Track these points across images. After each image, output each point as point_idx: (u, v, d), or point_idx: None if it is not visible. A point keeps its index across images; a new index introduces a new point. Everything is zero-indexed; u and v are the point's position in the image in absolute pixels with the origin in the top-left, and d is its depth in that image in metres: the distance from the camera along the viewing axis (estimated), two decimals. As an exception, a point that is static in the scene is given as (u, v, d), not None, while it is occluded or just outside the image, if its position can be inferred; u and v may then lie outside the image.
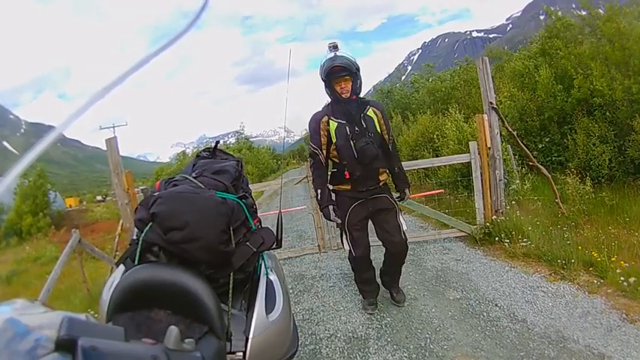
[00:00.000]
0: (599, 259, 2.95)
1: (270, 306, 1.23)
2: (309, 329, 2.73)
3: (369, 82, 3.53)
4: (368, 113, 2.50)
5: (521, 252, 3.52)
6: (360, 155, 2.40)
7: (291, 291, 3.45)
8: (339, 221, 2.55)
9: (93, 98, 0.34)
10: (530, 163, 4.78)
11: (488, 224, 4.04)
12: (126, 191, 3.98)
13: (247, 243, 1.23)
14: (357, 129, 2.41)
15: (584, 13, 7.04)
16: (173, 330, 0.40)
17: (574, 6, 8.51)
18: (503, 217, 4.01)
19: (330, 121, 2.46)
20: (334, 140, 2.45)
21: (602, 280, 2.79)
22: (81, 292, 4.94)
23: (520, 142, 4.53)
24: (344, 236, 2.61)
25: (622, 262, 2.82)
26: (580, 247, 3.19)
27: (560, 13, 7.16)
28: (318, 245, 4.60)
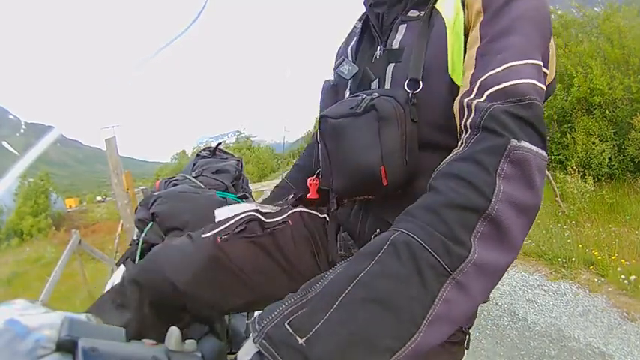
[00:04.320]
0: (599, 258, 2.96)
1: (270, 306, 1.23)
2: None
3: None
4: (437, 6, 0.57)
5: (521, 251, 3.51)
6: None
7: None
8: None
9: (94, 99, 0.34)
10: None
11: (488, 223, 4.04)
12: (126, 191, 3.98)
13: (247, 243, 1.23)
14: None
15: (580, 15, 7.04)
16: (174, 331, 0.40)
17: (574, 5, 8.50)
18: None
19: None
20: None
21: (602, 279, 2.79)
22: (81, 292, 4.94)
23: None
24: None
25: (622, 260, 2.83)
26: (580, 246, 3.20)
27: (560, 12, 7.16)
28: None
